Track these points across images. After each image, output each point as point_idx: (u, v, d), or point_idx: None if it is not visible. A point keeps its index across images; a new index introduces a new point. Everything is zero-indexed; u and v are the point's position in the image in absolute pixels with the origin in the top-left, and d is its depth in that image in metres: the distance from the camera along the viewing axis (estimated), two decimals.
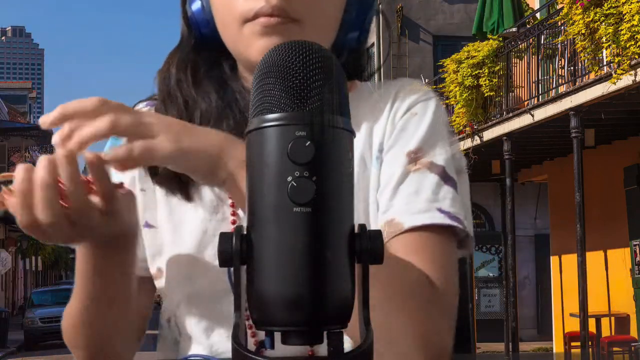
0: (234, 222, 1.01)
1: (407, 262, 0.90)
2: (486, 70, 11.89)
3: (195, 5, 1.04)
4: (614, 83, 8.55)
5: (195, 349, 1.03)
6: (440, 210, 0.95)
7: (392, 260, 0.87)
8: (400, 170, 0.98)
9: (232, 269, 0.57)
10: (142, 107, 1.11)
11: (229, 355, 0.57)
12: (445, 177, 0.97)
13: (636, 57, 8.21)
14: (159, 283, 1.08)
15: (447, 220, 0.94)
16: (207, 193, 1.02)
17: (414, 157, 0.98)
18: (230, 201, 1.01)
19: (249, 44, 0.98)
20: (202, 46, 1.07)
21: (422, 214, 0.94)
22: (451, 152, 1.00)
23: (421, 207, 0.95)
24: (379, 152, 1.01)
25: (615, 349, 11.02)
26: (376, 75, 1.17)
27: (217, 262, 0.58)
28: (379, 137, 1.02)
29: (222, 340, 1.01)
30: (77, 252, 0.94)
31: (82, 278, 0.96)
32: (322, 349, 0.58)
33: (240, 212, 1.00)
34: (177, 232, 1.04)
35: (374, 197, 0.99)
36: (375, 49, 14.40)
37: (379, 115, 1.03)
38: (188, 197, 1.02)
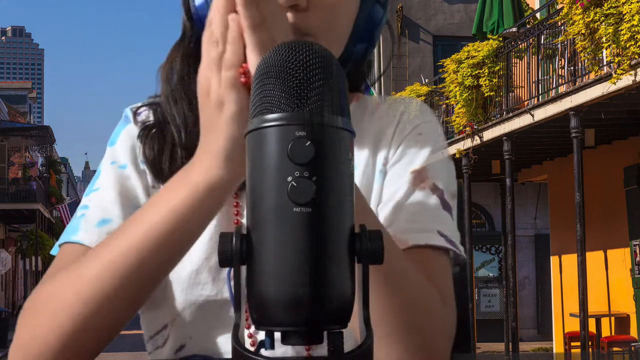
0: (237, 223, 1.00)
1: (419, 280, 0.88)
2: (486, 70, 11.88)
3: (198, 0, 0.97)
4: (614, 83, 8.54)
5: (198, 351, 1.02)
6: (440, 233, 0.97)
7: (407, 279, 0.85)
8: (405, 187, 1.00)
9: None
10: (142, 111, 1.07)
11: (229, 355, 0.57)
12: (443, 202, 1.01)
13: (636, 57, 8.21)
14: None
15: (446, 244, 0.97)
16: None
17: (419, 176, 1.00)
18: (234, 202, 1.00)
19: None
20: None
21: (425, 233, 0.96)
22: (448, 178, 1.03)
23: (424, 226, 0.97)
24: (383, 165, 1.03)
25: (615, 349, 11.01)
26: (377, 83, 1.17)
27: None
28: (384, 151, 1.04)
29: (225, 344, 1.00)
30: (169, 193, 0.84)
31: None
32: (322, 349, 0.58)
33: (245, 213, 0.98)
34: None
35: (375, 209, 1.01)
36: (375, 52, 14.37)
37: (385, 129, 1.05)
38: None
